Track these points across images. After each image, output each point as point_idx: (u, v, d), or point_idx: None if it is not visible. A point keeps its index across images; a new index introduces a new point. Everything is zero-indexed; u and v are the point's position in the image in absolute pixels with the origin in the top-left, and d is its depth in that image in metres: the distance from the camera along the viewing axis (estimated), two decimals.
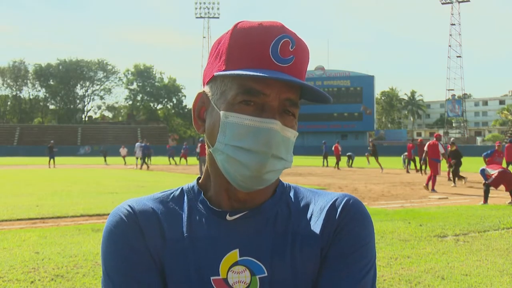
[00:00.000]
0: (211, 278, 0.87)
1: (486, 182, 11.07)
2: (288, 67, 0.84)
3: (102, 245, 0.91)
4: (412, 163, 24.11)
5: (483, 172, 11.25)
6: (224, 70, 0.86)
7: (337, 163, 28.10)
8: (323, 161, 31.66)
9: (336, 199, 0.93)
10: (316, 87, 0.86)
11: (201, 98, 0.93)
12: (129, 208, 0.91)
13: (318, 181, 18.41)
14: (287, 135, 0.86)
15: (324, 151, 32.20)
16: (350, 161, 30.30)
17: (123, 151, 35.33)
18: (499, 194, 12.19)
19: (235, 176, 0.85)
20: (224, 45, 0.88)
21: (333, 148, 29.49)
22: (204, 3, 75.73)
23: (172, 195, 0.97)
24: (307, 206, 0.95)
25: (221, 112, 0.86)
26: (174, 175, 21.88)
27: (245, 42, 0.85)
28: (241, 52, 0.85)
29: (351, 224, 0.90)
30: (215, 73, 0.87)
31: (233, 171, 0.85)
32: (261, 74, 0.80)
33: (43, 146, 30.75)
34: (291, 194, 0.97)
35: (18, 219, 8.88)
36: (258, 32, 0.85)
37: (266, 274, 0.87)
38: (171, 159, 34.54)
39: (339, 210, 0.91)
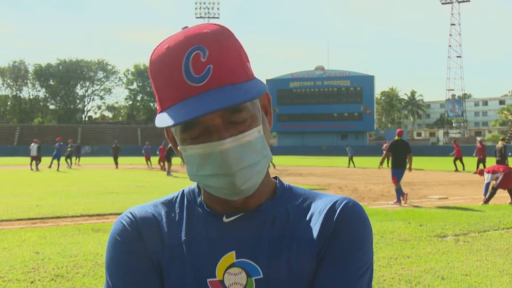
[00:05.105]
0: (208, 280, 0.88)
1: (494, 187, 11.15)
2: (208, 82, 0.79)
3: (106, 252, 0.94)
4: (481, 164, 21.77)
5: (487, 186, 11.37)
6: (160, 112, 0.85)
7: (482, 163, 25.46)
8: (349, 163, 30.09)
9: (336, 202, 0.93)
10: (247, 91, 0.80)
11: (170, 131, 0.94)
12: (130, 216, 0.95)
13: (318, 181, 18.41)
14: (246, 140, 0.84)
15: (350, 154, 30.50)
16: (350, 161, 30.31)
17: (34, 148, 27.05)
18: (499, 194, 12.18)
19: (220, 195, 0.87)
20: (152, 82, 0.87)
21: None
22: (204, 3, 75.68)
23: (173, 199, 0.99)
24: (306, 208, 0.94)
25: (179, 148, 0.88)
26: (174, 175, 21.87)
27: (161, 75, 0.83)
28: (163, 88, 0.83)
29: (349, 226, 0.90)
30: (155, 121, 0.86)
31: (216, 193, 0.87)
32: (175, 123, 0.77)
33: (43, 146, 30.10)
34: (291, 195, 0.97)
35: (18, 219, 8.89)
36: (167, 58, 0.82)
37: (262, 276, 0.87)
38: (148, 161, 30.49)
39: (337, 212, 0.91)
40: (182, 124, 0.82)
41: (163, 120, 0.81)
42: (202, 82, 0.79)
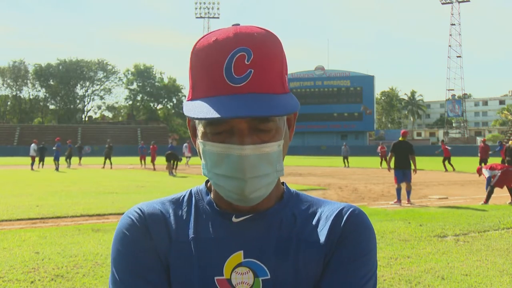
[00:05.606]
0: (215, 278, 0.89)
1: (491, 184, 11.14)
2: (246, 85, 0.80)
3: (112, 246, 0.94)
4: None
5: (489, 180, 11.30)
6: (191, 99, 0.86)
7: (484, 162, 22.28)
8: (344, 162, 30.40)
9: (343, 208, 0.94)
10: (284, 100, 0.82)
11: (192, 120, 0.94)
12: (139, 211, 0.95)
13: (318, 181, 18.40)
14: (265, 151, 0.84)
15: (343, 154, 30.80)
16: (346, 162, 30.29)
17: (32, 148, 27.85)
18: (499, 194, 12.18)
19: (228, 198, 0.88)
20: (190, 68, 0.88)
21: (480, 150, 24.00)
22: (204, 3, 75.72)
23: (181, 197, 1.00)
24: (312, 213, 0.96)
25: (198, 141, 0.88)
26: (178, 176, 21.87)
27: (202, 65, 0.84)
28: (200, 78, 0.84)
29: (355, 233, 0.92)
30: (183, 107, 0.87)
31: (224, 194, 0.88)
32: (207, 117, 0.78)
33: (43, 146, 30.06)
34: (297, 201, 0.99)
35: (18, 219, 8.89)
36: (212, 50, 0.83)
37: (269, 277, 0.88)
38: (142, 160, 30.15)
39: (344, 218, 0.92)
40: (210, 120, 0.83)
41: (192, 109, 0.82)
42: (239, 84, 0.81)
